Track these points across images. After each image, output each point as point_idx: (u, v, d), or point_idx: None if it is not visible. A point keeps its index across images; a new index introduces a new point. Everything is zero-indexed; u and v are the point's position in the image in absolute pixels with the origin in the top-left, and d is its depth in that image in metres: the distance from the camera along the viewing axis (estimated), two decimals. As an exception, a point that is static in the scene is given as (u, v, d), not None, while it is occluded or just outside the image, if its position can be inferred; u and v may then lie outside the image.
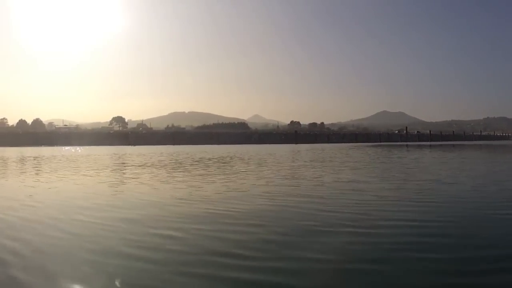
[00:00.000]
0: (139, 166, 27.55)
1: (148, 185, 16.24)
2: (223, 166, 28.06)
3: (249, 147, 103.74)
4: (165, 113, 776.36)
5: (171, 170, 24.03)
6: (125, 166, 27.87)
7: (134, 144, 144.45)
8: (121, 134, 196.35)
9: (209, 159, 37.95)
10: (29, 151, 70.42)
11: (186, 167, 25.96)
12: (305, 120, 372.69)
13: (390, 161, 33.26)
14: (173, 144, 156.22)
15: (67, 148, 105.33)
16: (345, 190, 13.84)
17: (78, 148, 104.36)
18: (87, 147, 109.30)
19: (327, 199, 11.55)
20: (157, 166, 27.18)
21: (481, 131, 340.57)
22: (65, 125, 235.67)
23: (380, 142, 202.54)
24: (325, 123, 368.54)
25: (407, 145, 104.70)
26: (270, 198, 11.96)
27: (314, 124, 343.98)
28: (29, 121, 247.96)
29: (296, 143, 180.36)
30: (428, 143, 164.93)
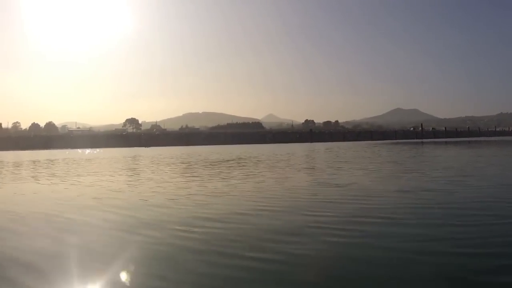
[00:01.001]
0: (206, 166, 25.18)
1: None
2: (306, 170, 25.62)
3: (266, 146, 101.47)
4: (179, 114, 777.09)
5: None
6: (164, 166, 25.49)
7: (148, 146, 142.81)
8: (134, 135, 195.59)
9: (258, 160, 35.47)
10: (48, 154, 69.10)
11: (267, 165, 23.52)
12: (319, 119, 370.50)
13: (444, 160, 31.46)
14: (187, 145, 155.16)
15: (80, 150, 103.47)
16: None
17: (94, 150, 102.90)
18: (99, 149, 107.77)
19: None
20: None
21: (495, 127, 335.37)
22: (78, 128, 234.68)
23: (396, 139, 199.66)
24: (339, 121, 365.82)
25: (422, 142, 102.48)
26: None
27: (328, 123, 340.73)
28: (42, 124, 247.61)
29: (312, 142, 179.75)
30: (444, 139, 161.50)
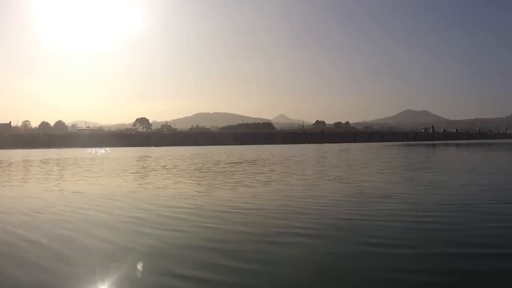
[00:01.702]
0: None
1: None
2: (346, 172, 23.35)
3: (278, 147, 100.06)
4: (189, 114, 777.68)
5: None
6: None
7: (158, 145, 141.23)
8: (143, 135, 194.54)
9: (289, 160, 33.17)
10: (60, 153, 67.53)
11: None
12: (329, 120, 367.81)
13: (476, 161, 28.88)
14: (197, 145, 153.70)
15: (89, 150, 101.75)
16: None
17: (102, 149, 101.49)
18: (108, 149, 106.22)
19: None
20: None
21: (506, 129, 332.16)
22: (87, 127, 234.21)
23: (407, 141, 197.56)
24: (350, 122, 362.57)
25: (433, 144, 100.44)
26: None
27: (339, 124, 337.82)
28: (52, 123, 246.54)
29: (323, 143, 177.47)
30: (455, 141, 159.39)
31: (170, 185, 16.81)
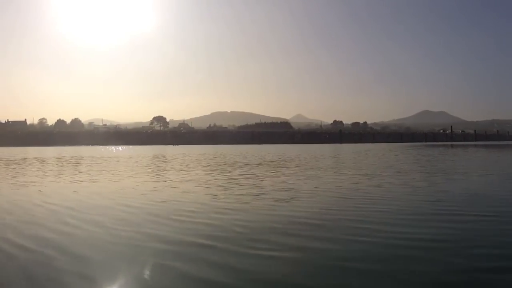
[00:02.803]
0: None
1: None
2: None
3: (298, 147, 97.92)
4: (207, 113, 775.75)
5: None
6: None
7: (175, 144, 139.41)
8: (159, 133, 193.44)
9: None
10: (77, 151, 66.16)
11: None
12: (347, 120, 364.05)
13: None
14: (214, 143, 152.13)
15: (102, 147, 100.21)
16: None
17: (119, 147, 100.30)
18: (125, 147, 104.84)
19: None
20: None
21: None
22: (104, 125, 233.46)
23: (426, 142, 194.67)
24: (367, 122, 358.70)
25: (451, 145, 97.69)
26: None
27: (356, 124, 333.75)
28: (69, 121, 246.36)
29: (341, 143, 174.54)
30: (474, 143, 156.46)
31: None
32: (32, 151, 70.19)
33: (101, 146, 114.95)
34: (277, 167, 24.69)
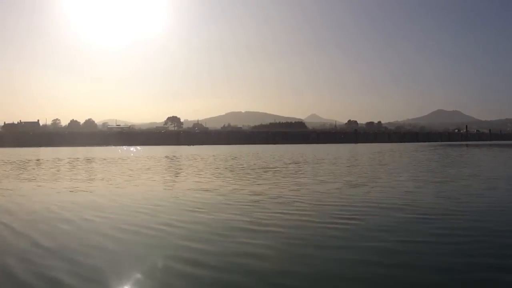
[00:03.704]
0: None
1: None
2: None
3: (315, 147, 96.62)
4: (221, 113, 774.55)
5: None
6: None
7: (190, 144, 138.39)
8: (172, 134, 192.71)
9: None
10: (89, 151, 65.23)
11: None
12: (361, 119, 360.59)
13: None
14: (228, 143, 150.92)
15: (118, 148, 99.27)
16: None
17: (132, 148, 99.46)
18: (139, 148, 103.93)
19: None
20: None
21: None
22: (117, 125, 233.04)
23: (441, 141, 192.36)
24: (382, 122, 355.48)
25: (467, 145, 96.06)
26: None
27: (371, 123, 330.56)
28: (82, 121, 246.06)
29: (357, 143, 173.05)
30: (489, 142, 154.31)
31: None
32: (47, 152, 69.26)
33: (114, 147, 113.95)
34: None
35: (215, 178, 18.04)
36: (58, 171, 23.88)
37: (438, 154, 44.49)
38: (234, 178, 17.58)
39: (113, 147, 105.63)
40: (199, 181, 16.67)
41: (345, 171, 20.89)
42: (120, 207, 10.22)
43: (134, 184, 15.92)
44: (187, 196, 12.14)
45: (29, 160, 38.19)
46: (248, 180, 16.84)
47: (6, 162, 34.70)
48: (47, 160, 37.94)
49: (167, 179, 18.36)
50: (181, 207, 10.21)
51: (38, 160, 39.58)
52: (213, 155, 46.83)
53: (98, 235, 7.29)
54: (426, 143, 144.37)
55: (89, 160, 37.47)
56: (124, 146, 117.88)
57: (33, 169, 26.06)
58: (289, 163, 28.79)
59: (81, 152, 66.34)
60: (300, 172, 20.64)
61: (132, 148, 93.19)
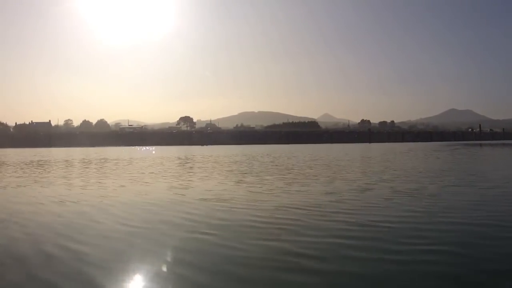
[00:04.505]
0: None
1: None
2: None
3: (330, 147, 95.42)
4: (234, 113, 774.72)
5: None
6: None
7: (203, 144, 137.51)
8: (185, 134, 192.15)
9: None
10: (102, 151, 64.43)
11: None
12: (374, 119, 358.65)
13: None
14: (240, 143, 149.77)
15: (117, 148, 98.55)
16: None
17: (143, 148, 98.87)
18: (151, 147, 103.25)
19: None
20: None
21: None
22: (130, 125, 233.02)
23: (455, 140, 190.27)
24: (395, 121, 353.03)
25: (480, 144, 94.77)
26: None
27: (384, 123, 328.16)
28: (95, 122, 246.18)
29: (370, 142, 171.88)
30: (503, 141, 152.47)
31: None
32: (60, 152, 68.63)
33: (125, 147, 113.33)
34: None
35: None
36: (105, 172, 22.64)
37: (468, 154, 43.02)
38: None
39: (124, 148, 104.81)
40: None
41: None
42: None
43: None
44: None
45: (66, 161, 37.13)
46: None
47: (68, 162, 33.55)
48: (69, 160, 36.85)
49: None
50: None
51: (66, 160, 38.57)
52: (267, 154, 45.60)
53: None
54: (442, 143, 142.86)
55: (128, 161, 36.40)
56: (137, 147, 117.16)
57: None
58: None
59: (104, 153, 65.42)
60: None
61: (144, 148, 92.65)
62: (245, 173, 20.39)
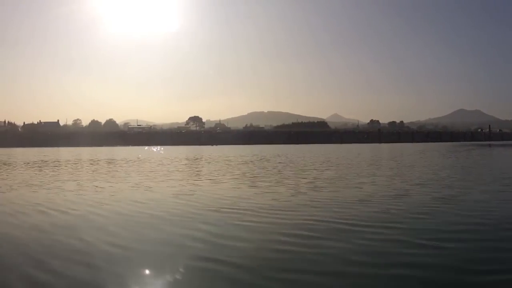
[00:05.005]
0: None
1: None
2: None
3: (338, 147, 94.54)
4: (244, 113, 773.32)
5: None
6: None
7: (212, 144, 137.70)
8: (194, 134, 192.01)
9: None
10: (112, 152, 63.96)
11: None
12: (383, 119, 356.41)
13: None
14: (249, 143, 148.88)
15: (123, 147, 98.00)
16: None
17: (153, 148, 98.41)
18: (159, 147, 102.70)
19: None
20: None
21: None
22: (138, 125, 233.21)
23: (465, 141, 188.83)
24: (404, 121, 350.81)
25: (489, 145, 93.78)
26: None
27: (393, 123, 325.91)
28: (103, 121, 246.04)
29: (380, 143, 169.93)
30: (511, 142, 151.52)
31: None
32: (64, 153, 68.17)
33: (132, 147, 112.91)
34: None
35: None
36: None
37: (487, 154, 42.18)
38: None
39: (132, 147, 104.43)
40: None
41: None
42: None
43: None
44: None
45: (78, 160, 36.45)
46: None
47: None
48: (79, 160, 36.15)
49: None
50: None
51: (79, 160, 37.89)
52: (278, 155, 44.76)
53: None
54: (453, 143, 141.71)
55: (133, 162, 35.65)
56: (145, 146, 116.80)
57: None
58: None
59: (110, 153, 64.78)
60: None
61: (152, 148, 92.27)
62: (258, 176, 19.35)
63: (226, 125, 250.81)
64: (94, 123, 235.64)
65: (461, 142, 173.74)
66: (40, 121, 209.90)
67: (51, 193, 13.63)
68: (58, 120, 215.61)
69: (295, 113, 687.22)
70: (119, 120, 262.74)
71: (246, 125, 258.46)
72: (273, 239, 6.87)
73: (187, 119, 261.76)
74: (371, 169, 23.39)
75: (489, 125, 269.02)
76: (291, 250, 6.26)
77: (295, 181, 16.80)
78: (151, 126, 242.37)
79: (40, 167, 28.60)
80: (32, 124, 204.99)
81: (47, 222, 8.63)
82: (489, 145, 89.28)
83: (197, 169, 24.81)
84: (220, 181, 17.22)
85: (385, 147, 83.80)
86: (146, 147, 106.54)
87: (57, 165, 30.98)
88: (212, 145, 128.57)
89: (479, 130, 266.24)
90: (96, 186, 15.46)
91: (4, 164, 33.19)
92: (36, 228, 8.01)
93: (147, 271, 5.48)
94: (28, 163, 34.20)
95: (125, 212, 9.63)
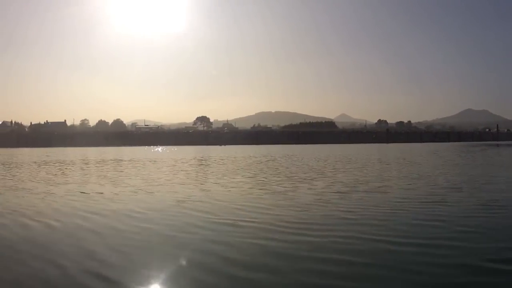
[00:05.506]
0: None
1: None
2: None
3: (347, 147, 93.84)
4: (251, 113, 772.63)
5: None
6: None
7: (220, 144, 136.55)
8: (201, 134, 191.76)
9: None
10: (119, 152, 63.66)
11: None
12: (391, 119, 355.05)
13: None
14: (257, 143, 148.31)
15: (137, 147, 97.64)
16: None
17: (159, 148, 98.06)
18: (165, 147, 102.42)
19: None
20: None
21: None
22: (146, 125, 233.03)
23: (473, 141, 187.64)
24: (412, 121, 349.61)
25: (497, 145, 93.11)
26: None
27: (401, 123, 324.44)
28: (111, 121, 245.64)
29: (388, 143, 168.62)
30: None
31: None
32: (69, 152, 67.73)
33: (141, 147, 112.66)
34: None
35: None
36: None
37: (503, 154, 41.44)
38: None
39: (139, 148, 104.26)
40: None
41: None
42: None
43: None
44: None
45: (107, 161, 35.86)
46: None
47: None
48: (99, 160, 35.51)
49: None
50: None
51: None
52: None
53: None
54: (462, 143, 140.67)
55: (138, 162, 34.97)
56: (152, 146, 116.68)
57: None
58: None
59: (117, 153, 64.23)
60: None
61: (159, 148, 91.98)
62: (272, 179, 18.43)
63: (234, 125, 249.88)
64: (101, 123, 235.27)
65: (469, 142, 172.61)
66: (47, 121, 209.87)
67: (37, 198, 12.43)
68: (65, 120, 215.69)
69: (303, 113, 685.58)
70: (127, 120, 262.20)
71: (254, 125, 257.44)
72: (311, 270, 5.42)
73: (194, 119, 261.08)
74: (413, 168, 22.63)
75: (497, 125, 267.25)
76: (335, 285, 4.89)
77: (316, 184, 15.88)
78: (158, 126, 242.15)
79: (39, 166, 28.05)
80: (39, 124, 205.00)
81: (18, 235, 7.30)
82: (497, 145, 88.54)
83: (204, 172, 23.58)
84: (232, 185, 15.84)
85: (396, 147, 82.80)
86: (153, 148, 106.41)
87: (57, 165, 30.25)
88: (220, 145, 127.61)
89: (487, 130, 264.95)
90: (92, 190, 14.17)
91: (4, 163, 32.68)
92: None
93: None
94: (23, 164, 33.06)
95: (120, 227, 8.00)
